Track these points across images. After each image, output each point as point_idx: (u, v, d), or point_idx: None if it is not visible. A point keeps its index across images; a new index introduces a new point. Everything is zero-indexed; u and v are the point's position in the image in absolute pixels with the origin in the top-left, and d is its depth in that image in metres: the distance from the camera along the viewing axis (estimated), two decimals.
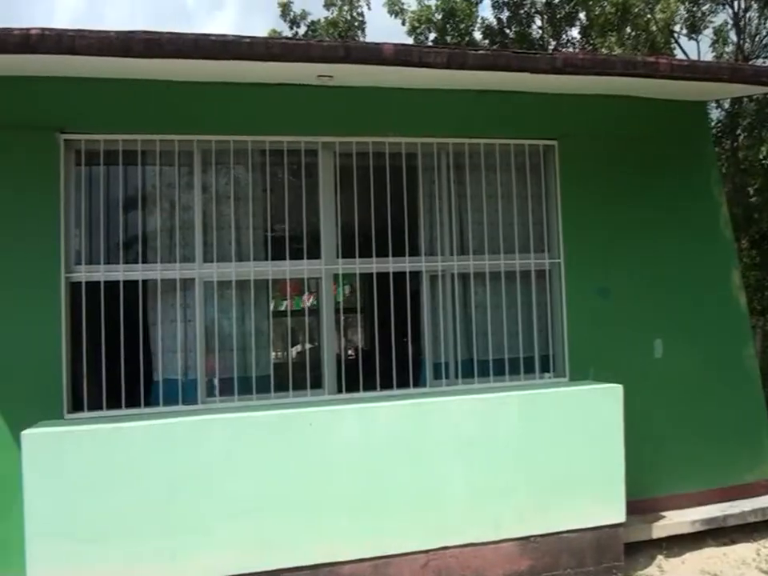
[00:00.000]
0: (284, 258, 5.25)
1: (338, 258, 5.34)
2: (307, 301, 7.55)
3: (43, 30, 4.22)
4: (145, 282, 5.05)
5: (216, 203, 5.21)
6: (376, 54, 4.55)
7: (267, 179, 5.32)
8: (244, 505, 4.38)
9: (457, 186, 5.70)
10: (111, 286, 4.94)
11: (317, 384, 5.28)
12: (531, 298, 5.72)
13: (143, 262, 5.09)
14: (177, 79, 4.96)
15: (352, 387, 5.32)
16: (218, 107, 5.12)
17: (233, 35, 4.38)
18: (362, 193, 5.42)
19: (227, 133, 5.12)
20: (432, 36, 15.96)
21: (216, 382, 5.11)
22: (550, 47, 15.87)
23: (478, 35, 16.43)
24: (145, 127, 5.03)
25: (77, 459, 4.25)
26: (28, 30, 4.20)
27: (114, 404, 4.84)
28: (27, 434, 4.27)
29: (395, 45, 4.60)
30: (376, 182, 5.40)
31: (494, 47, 15.28)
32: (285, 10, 16.29)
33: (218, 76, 4.92)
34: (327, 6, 16.62)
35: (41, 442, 4.27)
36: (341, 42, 5.05)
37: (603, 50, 13.87)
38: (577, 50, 15.16)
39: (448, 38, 15.45)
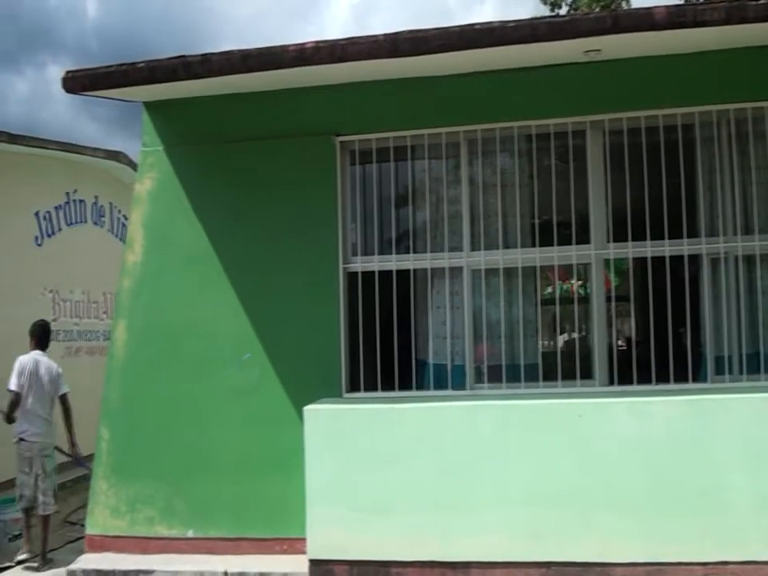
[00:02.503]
0: (552, 245, 5.12)
1: (608, 242, 5.08)
2: (573, 288, 7.35)
3: (317, 42, 4.59)
4: (415, 270, 5.25)
5: (482, 192, 5.24)
6: (647, 20, 4.24)
7: (534, 165, 5.22)
8: (513, 492, 4.38)
9: (740, 158, 5.11)
10: (384, 275, 5.22)
11: (587, 374, 5.08)
12: None
13: (414, 252, 5.29)
14: (440, 74, 5.06)
15: (624, 379, 5.02)
16: (483, 96, 5.14)
17: (497, 21, 4.37)
18: (634, 172, 5.07)
19: (492, 121, 5.12)
20: None
21: (484, 368, 5.13)
22: None
23: None
24: (413, 123, 5.24)
25: (354, 435, 4.58)
26: (303, 44, 4.61)
27: (387, 386, 5.12)
28: (309, 409, 4.70)
29: (667, 7, 4.25)
30: (649, 159, 5.03)
31: None
32: None
33: (481, 65, 4.94)
34: None
35: (321, 417, 4.67)
36: (608, 12, 4.74)
37: None
38: None
39: None
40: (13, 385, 5.90)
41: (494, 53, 4.51)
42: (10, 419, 5.96)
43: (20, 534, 6.27)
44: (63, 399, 6.21)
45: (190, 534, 5.26)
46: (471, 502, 4.40)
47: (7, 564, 5.71)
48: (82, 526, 5.89)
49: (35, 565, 5.71)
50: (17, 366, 5.98)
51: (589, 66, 4.91)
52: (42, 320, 6.53)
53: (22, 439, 5.91)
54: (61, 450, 6.45)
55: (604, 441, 4.39)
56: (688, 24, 4.23)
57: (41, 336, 6.33)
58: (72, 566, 5.24)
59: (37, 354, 6.17)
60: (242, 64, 4.67)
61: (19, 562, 5.78)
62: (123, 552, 5.33)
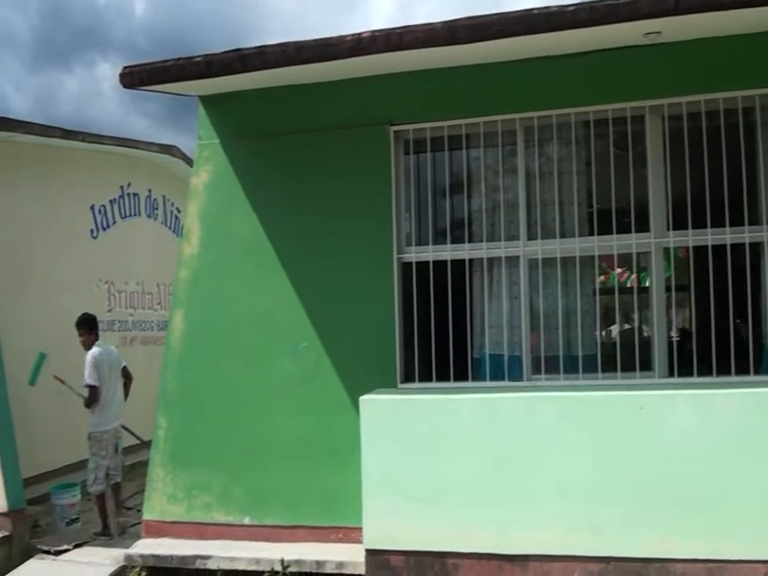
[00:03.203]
0: (610, 233, 5.02)
1: (668, 230, 4.97)
2: (622, 277, 7.19)
3: (373, 32, 4.56)
4: (471, 260, 5.21)
5: (539, 180, 5.17)
6: (713, 0, 4.10)
7: (591, 152, 5.11)
8: (571, 485, 4.31)
9: None
10: (439, 264, 5.19)
11: (646, 366, 4.97)
12: None
13: (469, 242, 5.24)
14: (496, 60, 5.00)
15: (684, 371, 4.90)
16: (539, 82, 5.06)
17: (555, 6, 4.28)
18: (694, 157, 4.93)
19: (549, 108, 5.04)
20: None
21: (541, 359, 5.06)
22: None
23: None
24: (468, 111, 5.19)
25: (410, 425, 4.56)
26: (359, 34, 4.58)
27: (442, 376, 5.10)
28: (366, 399, 4.71)
29: None
30: (709, 144, 4.89)
31: None
32: None
33: (538, 50, 4.86)
34: None
35: (377, 407, 4.67)
36: None
37: None
38: None
39: None
40: (91, 379, 6.19)
41: (551, 38, 4.42)
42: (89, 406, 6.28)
43: (77, 519, 6.52)
44: (126, 372, 6.67)
45: (247, 520, 5.33)
46: (529, 494, 4.35)
47: (65, 547, 5.88)
48: (138, 511, 6.07)
49: (106, 538, 6.10)
50: (91, 360, 6.24)
51: (648, 48, 4.79)
52: (86, 312, 6.70)
53: (99, 434, 6.28)
54: (127, 429, 6.67)
55: (665, 434, 4.28)
56: (755, 2, 4.08)
57: (94, 326, 6.58)
58: (129, 551, 5.36)
59: (101, 345, 6.43)
60: (297, 56, 4.67)
61: (95, 534, 6.14)
62: (180, 537, 5.44)
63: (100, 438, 6.29)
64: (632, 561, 4.26)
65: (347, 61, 4.70)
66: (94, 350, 6.33)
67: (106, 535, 6.14)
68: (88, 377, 6.20)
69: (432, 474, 4.47)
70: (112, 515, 6.32)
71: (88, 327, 6.50)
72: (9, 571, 5.59)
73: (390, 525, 4.55)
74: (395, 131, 5.33)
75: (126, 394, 6.70)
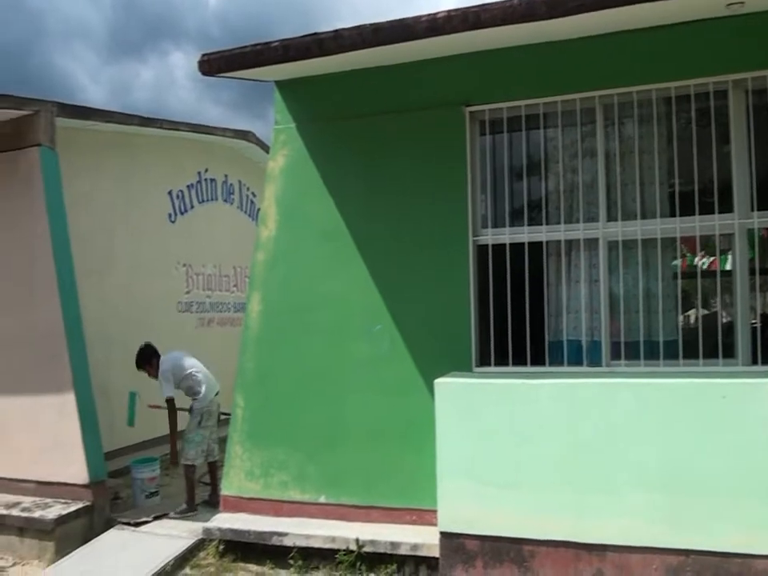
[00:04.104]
0: (692, 214, 4.84)
1: (752, 210, 4.75)
2: (700, 259, 6.93)
3: (449, 11, 4.51)
4: (548, 243, 5.12)
5: (619, 159, 5.02)
6: None
7: (673, 129, 4.93)
8: (651, 475, 4.20)
9: None
10: (515, 247, 5.12)
11: (729, 353, 4.79)
12: None
13: (546, 224, 5.14)
14: (574, 36, 4.87)
15: None
16: (619, 58, 4.91)
17: None
18: None
19: (629, 84, 4.89)
20: None
21: (621, 344, 4.94)
22: None
23: None
24: (546, 90, 5.08)
25: (486, 409, 4.52)
26: (435, 14, 4.54)
27: (519, 361, 5.04)
28: (440, 382, 4.69)
29: None
30: None
31: None
32: None
33: (616, 25, 4.72)
34: None
35: (452, 391, 4.64)
36: None
37: None
38: None
39: None
40: (167, 392, 6.45)
41: (631, 11, 4.27)
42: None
43: (156, 492, 6.74)
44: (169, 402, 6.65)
45: (322, 499, 5.42)
46: (608, 482, 4.26)
47: (144, 519, 6.12)
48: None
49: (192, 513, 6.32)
50: (162, 376, 6.47)
51: (730, 20, 4.58)
52: (139, 349, 6.77)
53: (207, 407, 6.56)
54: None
55: (748, 424, 4.11)
56: None
57: (149, 359, 6.70)
58: (208, 524, 5.52)
59: (162, 360, 6.62)
60: (374, 37, 4.67)
61: (180, 512, 6.33)
62: (257, 513, 5.57)
63: (208, 411, 6.56)
64: (712, 555, 4.12)
65: (423, 41, 4.67)
66: (161, 367, 6.54)
67: (192, 510, 6.35)
68: (164, 392, 6.48)
69: (508, 459, 4.43)
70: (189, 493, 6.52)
71: (146, 362, 6.70)
72: (90, 540, 5.86)
73: (466, 509, 4.54)
74: (471, 112, 5.28)
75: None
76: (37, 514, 5.96)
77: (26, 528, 5.95)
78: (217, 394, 6.70)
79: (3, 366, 6.65)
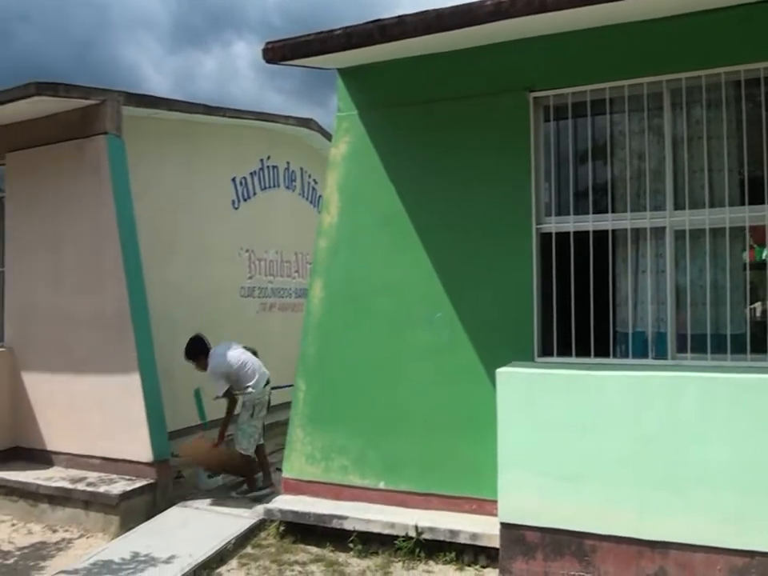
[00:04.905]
0: (762, 203, 4.64)
1: None
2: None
3: None
4: (614, 231, 5.00)
5: (687, 145, 4.86)
6: None
7: (742, 114, 4.73)
8: (718, 473, 4.07)
9: None
10: (579, 235, 5.03)
11: None
12: None
13: (612, 212, 5.02)
14: (642, 19, 4.73)
15: None
16: (687, 41, 4.73)
17: None
18: None
19: (698, 67, 4.72)
20: None
21: (687, 337, 4.80)
22: None
23: None
24: (611, 74, 4.95)
25: (549, 400, 4.46)
26: None
27: (582, 351, 4.95)
28: (503, 372, 4.64)
29: None
30: None
31: None
32: None
33: (685, 6, 4.56)
34: None
35: (515, 381, 4.60)
36: None
37: None
38: None
39: None
40: (219, 391, 6.44)
41: None
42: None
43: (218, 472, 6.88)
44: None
45: (382, 485, 5.46)
46: (672, 479, 4.15)
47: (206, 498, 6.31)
48: (278, 469, 6.35)
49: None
50: (213, 375, 6.43)
51: None
52: (188, 342, 6.69)
53: (259, 398, 6.57)
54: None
55: None
56: None
57: (199, 353, 6.60)
58: (270, 505, 5.64)
59: (212, 355, 6.53)
60: (437, 23, 4.62)
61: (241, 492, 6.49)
62: (317, 496, 5.65)
63: (260, 402, 6.58)
64: None
65: (486, 26, 4.60)
66: (209, 366, 6.48)
67: (265, 488, 6.51)
68: (216, 391, 6.49)
69: (571, 452, 4.37)
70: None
71: (193, 356, 6.63)
72: (153, 516, 6.05)
73: (527, 500, 4.50)
74: (535, 97, 5.19)
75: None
76: (102, 489, 6.22)
77: (91, 502, 6.22)
78: (267, 383, 6.70)
79: (74, 347, 6.94)
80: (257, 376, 6.56)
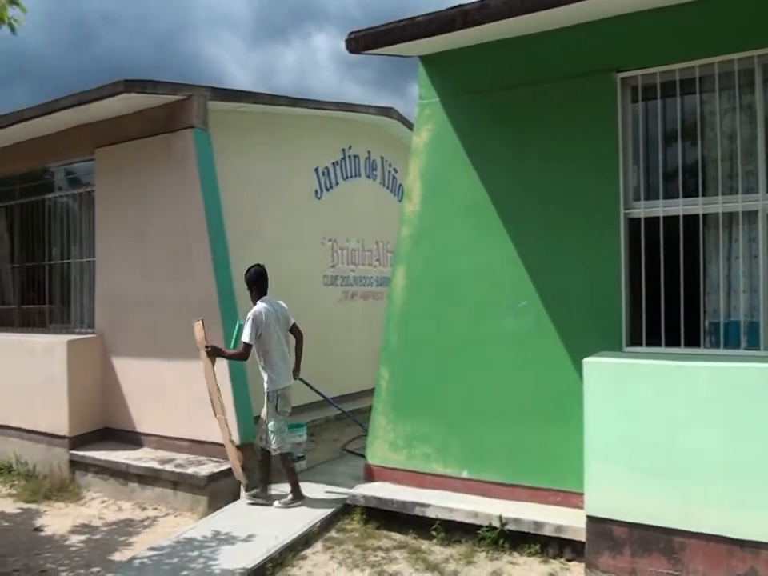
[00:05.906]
0: None
1: None
2: None
3: None
4: (705, 215, 4.79)
5: None
6: None
7: None
8: None
9: None
10: (669, 220, 4.84)
11: None
12: None
13: (702, 195, 4.81)
14: None
15: None
16: None
17: None
18: None
19: None
20: None
21: None
22: None
23: None
24: (701, 52, 4.72)
25: (637, 391, 4.32)
26: None
27: (672, 341, 4.77)
28: (590, 361, 4.52)
29: None
30: None
31: None
32: None
33: None
34: None
35: (602, 371, 4.47)
36: None
37: None
38: None
39: None
40: (246, 337, 5.88)
41: None
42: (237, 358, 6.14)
43: (303, 456, 6.91)
44: (295, 330, 6.27)
45: (465, 474, 5.45)
46: (766, 475, 3.94)
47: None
48: (362, 456, 6.38)
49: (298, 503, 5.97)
50: (252, 319, 5.91)
51: None
52: (256, 265, 6.24)
53: (282, 390, 6.04)
54: (306, 383, 6.78)
55: None
56: None
57: (258, 282, 6.17)
58: (353, 491, 5.71)
59: (264, 303, 6.08)
60: (521, 5, 4.55)
61: (284, 503, 5.99)
62: (399, 484, 5.69)
63: (283, 395, 6.06)
64: None
65: (571, 6, 4.48)
66: (255, 309, 6.02)
67: (298, 498, 5.98)
68: (244, 333, 5.92)
69: (660, 445, 4.22)
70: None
71: (249, 284, 6.19)
72: (239, 498, 6.25)
73: (614, 494, 4.38)
74: (622, 78, 5.02)
75: (299, 353, 6.32)
76: (190, 470, 6.45)
77: (179, 482, 6.47)
78: (288, 387, 6.14)
79: (162, 333, 7.22)
80: (279, 369, 6.02)
